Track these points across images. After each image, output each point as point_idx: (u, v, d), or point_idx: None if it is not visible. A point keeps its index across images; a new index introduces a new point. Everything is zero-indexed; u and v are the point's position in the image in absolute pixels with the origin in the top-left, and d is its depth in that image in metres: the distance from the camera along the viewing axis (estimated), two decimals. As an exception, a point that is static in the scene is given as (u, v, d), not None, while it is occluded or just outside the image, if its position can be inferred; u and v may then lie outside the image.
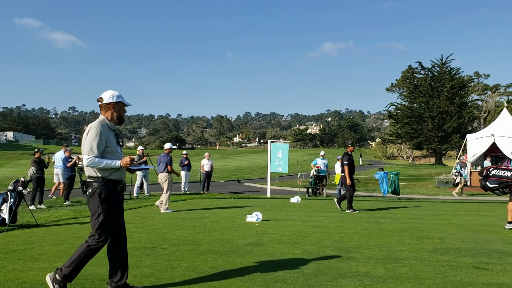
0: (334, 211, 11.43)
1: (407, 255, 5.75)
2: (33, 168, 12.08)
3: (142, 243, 6.49)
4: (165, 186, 11.10)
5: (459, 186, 18.87)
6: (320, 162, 18.68)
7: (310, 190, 18.14)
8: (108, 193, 3.90)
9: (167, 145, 11.63)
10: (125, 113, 4.22)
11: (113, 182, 3.95)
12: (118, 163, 3.90)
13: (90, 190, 3.91)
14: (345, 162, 11.40)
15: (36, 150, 12.75)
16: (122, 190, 4.09)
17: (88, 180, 3.96)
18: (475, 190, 20.07)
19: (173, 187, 11.78)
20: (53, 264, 5.08)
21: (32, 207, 11.48)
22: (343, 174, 11.58)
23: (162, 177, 11.18)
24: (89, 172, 3.94)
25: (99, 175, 3.90)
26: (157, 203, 11.21)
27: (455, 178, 19.42)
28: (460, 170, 18.93)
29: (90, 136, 3.88)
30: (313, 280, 4.47)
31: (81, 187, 4.04)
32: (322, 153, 19.39)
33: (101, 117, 4.07)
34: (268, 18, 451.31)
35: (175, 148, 11.90)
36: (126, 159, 3.92)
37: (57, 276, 3.86)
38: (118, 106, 4.10)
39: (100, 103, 4.07)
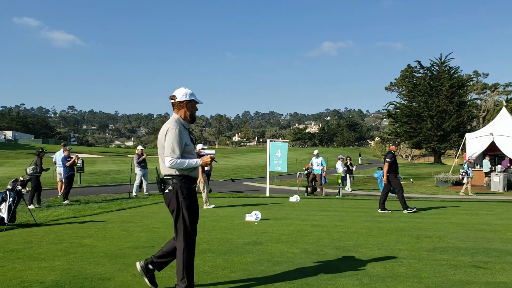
0: (333, 210, 11.44)
1: (406, 254, 5.75)
2: (33, 167, 12.11)
3: (141, 242, 6.49)
4: (201, 185, 11.79)
5: (465, 185, 18.87)
6: (313, 161, 18.66)
7: (308, 189, 18.18)
8: (188, 189, 3.91)
9: (199, 146, 11.87)
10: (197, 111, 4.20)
11: (191, 179, 3.97)
12: (198, 161, 3.90)
13: (170, 188, 3.89)
14: (388, 159, 11.12)
15: (40, 150, 12.83)
16: (195, 188, 4.08)
17: (165, 178, 3.94)
18: (475, 189, 20.08)
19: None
20: (52, 263, 5.08)
21: (31, 207, 11.52)
22: (388, 174, 11.18)
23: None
24: (166, 170, 3.93)
25: (177, 172, 3.89)
26: (205, 206, 11.62)
27: (462, 177, 19.41)
28: (468, 170, 18.91)
29: (170, 137, 3.85)
30: (312, 279, 4.47)
31: (158, 185, 3.99)
32: (315, 152, 19.34)
33: (175, 116, 4.04)
34: (267, 17, 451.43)
35: (206, 148, 12.14)
36: (207, 158, 3.95)
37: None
38: (191, 105, 4.06)
39: (173, 101, 4.04)
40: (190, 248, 3.88)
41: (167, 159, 3.82)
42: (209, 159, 3.96)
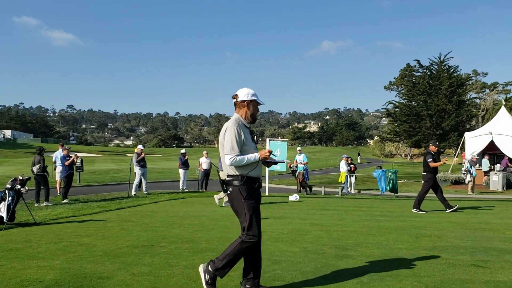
0: (332, 209, 11.44)
1: (405, 253, 5.76)
2: (39, 165, 12.33)
3: (140, 241, 6.49)
4: None
5: (470, 184, 18.86)
6: (297, 158, 18.51)
7: (307, 188, 18.12)
8: (250, 190, 3.91)
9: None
10: (258, 112, 4.19)
11: (253, 179, 3.96)
12: (257, 155, 3.90)
13: (231, 189, 3.93)
14: (429, 159, 11.00)
15: (41, 148, 12.97)
16: (259, 188, 4.07)
17: (227, 179, 3.97)
18: (478, 188, 20.10)
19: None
20: (51, 262, 5.08)
21: (46, 204, 12.06)
22: (424, 173, 11.13)
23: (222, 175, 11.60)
24: (228, 170, 3.95)
25: (238, 173, 3.91)
26: (218, 202, 11.91)
27: (464, 176, 19.39)
28: (470, 168, 18.88)
29: (228, 135, 3.89)
30: (311, 278, 4.47)
31: (221, 186, 4.04)
32: (298, 148, 19.18)
33: (236, 115, 4.09)
34: (266, 16, 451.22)
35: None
36: (265, 151, 3.93)
37: (209, 267, 3.92)
38: (252, 105, 4.08)
39: (234, 100, 4.08)
40: (246, 246, 3.86)
41: (227, 157, 3.87)
42: (268, 153, 3.92)
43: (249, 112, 4.08)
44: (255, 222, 3.89)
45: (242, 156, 3.87)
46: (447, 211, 10.92)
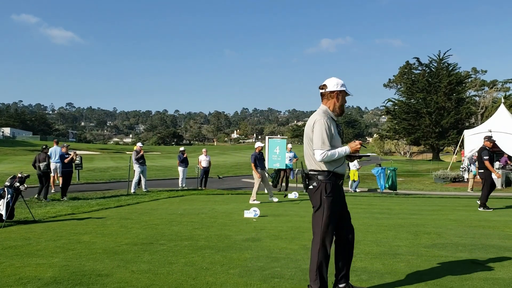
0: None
1: (405, 250, 5.76)
2: (44, 163, 12.50)
3: (139, 239, 6.49)
4: (257, 181, 12.42)
5: (470, 182, 18.84)
6: (286, 155, 18.24)
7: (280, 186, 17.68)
8: (333, 187, 3.71)
9: (258, 144, 12.74)
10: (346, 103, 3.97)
11: (338, 176, 3.76)
12: (347, 149, 3.70)
13: (314, 184, 3.72)
14: (485, 157, 10.76)
15: (44, 146, 13.15)
16: (341, 185, 3.88)
17: (310, 173, 3.76)
18: (476, 185, 20.09)
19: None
20: (50, 260, 5.08)
21: (45, 201, 12.27)
22: (481, 170, 10.81)
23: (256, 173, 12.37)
24: (312, 165, 3.75)
25: (324, 168, 3.69)
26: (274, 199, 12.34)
27: (463, 173, 19.36)
28: (469, 166, 18.83)
29: (318, 129, 3.67)
30: (310, 275, 4.46)
31: (302, 181, 3.83)
32: (289, 145, 18.49)
33: (323, 107, 3.87)
34: (266, 14, 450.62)
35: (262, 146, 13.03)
36: (355, 144, 3.73)
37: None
38: (341, 96, 3.86)
39: (322, 90, 3.87)
40: (327, 248, 3.66)
41: (317, 152, 3.64)
42: (359, 145, 3.73)
43: (337, 104, 3.85)
44: (332, 223, 3.69)
45: (333, 151, 3.65)
46: (479, 209, 10.79)
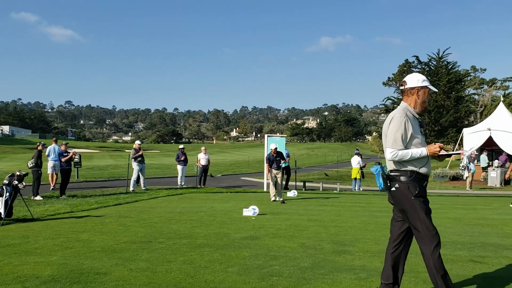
0: (330, 205, 11.45)
1: (403, 249, 5.75)
2: (31, 160, 12.48)
3: (138, 237, 6.48)
4: (278, 179, 12.51)
5: (468, 179, 18.82)
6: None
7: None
8: (418, 187, 3.47)
9: (272, 146, 12.79)
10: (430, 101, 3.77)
11: (423, 176, 3.54)
12: (424, 151, 3.46)
13: (396, 186, 3.50)
14: None
15: (38, 143, 13.13)
16: (426, 186, 3.64)
17: (392, 174, 3.56)
18: (476, 184, 20.12)
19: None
20: (49, 258, 5.07)
21: (38, 197, 12.25)
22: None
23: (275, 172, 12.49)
24: (395, 165, 3.56)
25: (408, 168, 3.49)
26: (278, 198, 12.25)
27: (462, 172, 19.30)
28: (468, 164, 18.83)
29: (393, 127, 3.49)
30: (309, 274, 4.47)
31: (383, 182, 3.61)
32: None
33: (403, 104, 3.66)
34: (265, 12, 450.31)
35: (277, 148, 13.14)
36: (435, 146, 3.48)
37: None
38: (423, 92, 3.64)
39: (402, 87, 3.69)
40: (438, 247, 3.41)
41: (387, 151, 3.49)
42: (438, 149, 3.48)
43: (419, 101, 3.63)
44: (430, 220, 3.44)
45: (405, 151, 3.44)
46: (511, 205, 11.04)
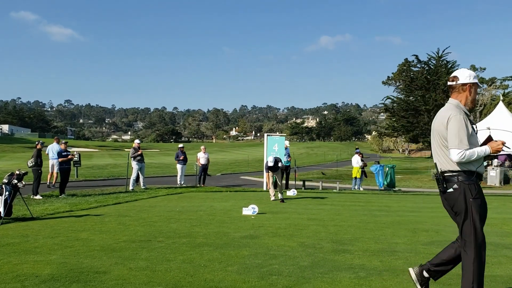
0: (329, 204, 11.45)
1: (403, 248, 5.76)
2: (31, 159, 12.47)
3: (137, 236, 6.48)
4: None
5: None
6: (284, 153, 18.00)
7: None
8: (477, 188, 3.36)
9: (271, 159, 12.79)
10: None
11: (479, 176, 3.43)
12: (487, 149, 3.35)
13: (455, 186, 3.35)
14: None
15: (37, 142, 13.11)
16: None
17: (447, 174, 3.42)
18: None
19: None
20: (48, 257, 5.07)
21: (38, 197, 12.19)
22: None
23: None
24: (448, 165, 3.41)
25: (465, 168, 3.36)
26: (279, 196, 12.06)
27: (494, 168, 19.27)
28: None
29: (454, 126, 3.33)
30: (308, 273, 4.47)
31: (437, 182, 3.49)
32: (286, 143, 17.94)
33: (454, 101, 3.54)
34: (265, 11, 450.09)
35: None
36: (498, 143, 3.38)
37: None
38: (474, 88, 3.54)
39: (453, 83, 3.55)
40: (482, 256, 3.31)
41: (454, 152, 3.30)
42: (501, 145, 3.37)
43: (470, 98, 3.53)
44: (481, 226, 3.34)
45: (471, 150, 3.30)
46: None
